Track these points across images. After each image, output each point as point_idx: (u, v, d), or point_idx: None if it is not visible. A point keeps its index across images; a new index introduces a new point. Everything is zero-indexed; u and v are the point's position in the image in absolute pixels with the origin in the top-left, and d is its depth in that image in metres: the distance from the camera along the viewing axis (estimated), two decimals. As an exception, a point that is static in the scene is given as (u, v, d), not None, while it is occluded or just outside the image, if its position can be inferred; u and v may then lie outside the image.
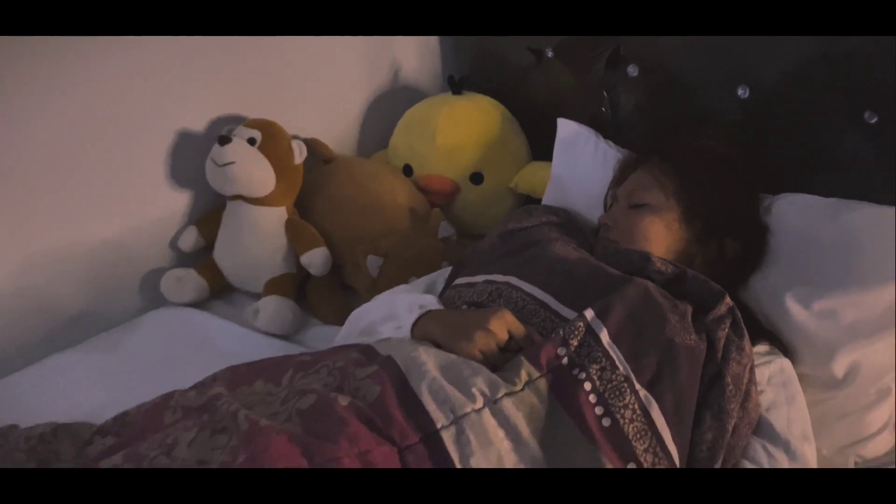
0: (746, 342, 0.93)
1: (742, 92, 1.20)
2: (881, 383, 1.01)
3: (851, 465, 1.01)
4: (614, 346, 0.88)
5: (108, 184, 1.28)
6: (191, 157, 1.34)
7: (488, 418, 0.80)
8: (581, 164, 1.29)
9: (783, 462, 0.89)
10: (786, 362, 0.99)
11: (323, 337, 1.28)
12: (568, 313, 0.95)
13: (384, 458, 0.77)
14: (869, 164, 1.11)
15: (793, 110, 1.16)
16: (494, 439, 0.79)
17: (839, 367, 1.00)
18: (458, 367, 0.85)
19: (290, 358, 0.99)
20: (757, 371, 0.95)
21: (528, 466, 0.81)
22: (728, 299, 0.95)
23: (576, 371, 0.85)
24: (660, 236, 1.08)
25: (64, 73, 1.19)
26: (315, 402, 0.83)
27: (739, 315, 0.95)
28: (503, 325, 0.90)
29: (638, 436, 0.83)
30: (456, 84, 1.49)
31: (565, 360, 0.86)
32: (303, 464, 0.75)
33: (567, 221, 1.23)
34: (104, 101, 1.23)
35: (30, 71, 1.16)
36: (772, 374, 0.97)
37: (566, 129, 1.33)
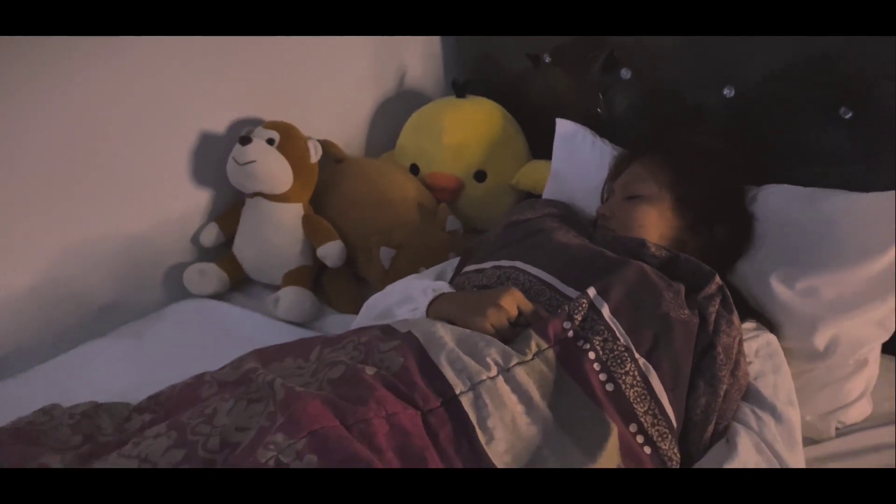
0: (735, 317, 1.00)
1: (728, 92, 1.29)
2: (858, 355, 1.10)
3: (832, 431, 1.09)
4: (615, 320, 0.95)
5: (134, 183, 1.35)
6: (211, 157, 1.42)
7: (502, 384, 0.88)
8: (579, 160, 1.38)
9: (770, 424, 0.96)
10: (771, 337, 1.07)
11: (339, 325, 1.35)
12: (571, 292, 1.02)
13: (409, 420, 0.84)
14: (845, 156, 1.20)
15: (774, 108, 1.25)
16: (508, 402, 0.87)
17: (820, 340, 1.08)
18: (474, 339, 0.93)
19: (315, 337, 1.06)
20: (745, 345, 1.03)
21: (539, 427, 0.87)
22: (718, 279, 1.02)
23: (581, 342, 0.93)
24: (654, 224, 1.14)
25: (94, 76, 1.27)
26: (344, 372, 0.91)
27: (728, 293, 1.02)
28: (513, 301, 0.98)
29: (638, 399, 0.91)
30: (460, 87, 1.58)
31: (571, 333, 0.94)
32: (336, 424, 0.82)
33: (567, 213, 1.30)
34: (133, 103, 1.31)
35: (63, 72, 1.24)
36: (759, 347, 1.05)
37: (564, 127, 1.42)
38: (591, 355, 0.92)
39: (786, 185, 1.19)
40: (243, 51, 1.41)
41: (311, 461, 0.79)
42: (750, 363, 1.03)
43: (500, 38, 1.60)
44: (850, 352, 1.09)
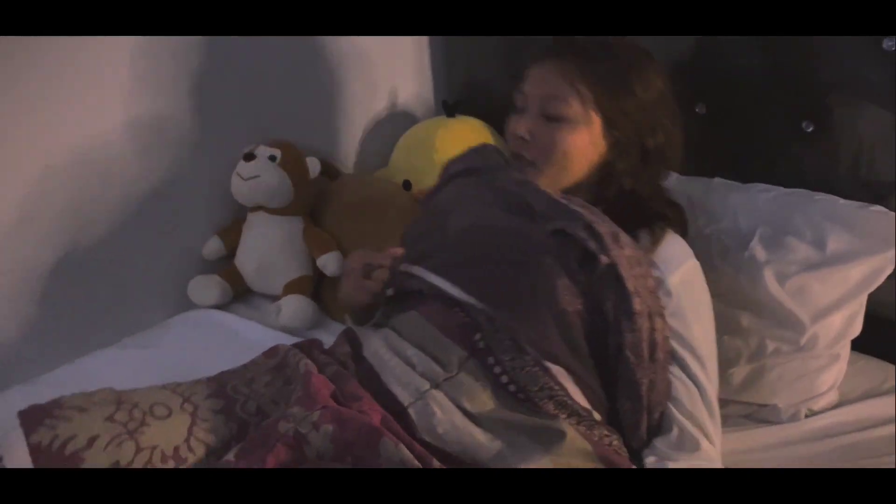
0: (635, 301, 0.93)
1: (699, 109, 1.40)
2: (833, 350, 1.19)
3: (802, 417, 1.18)
4: (515, 330, 0.95)
5: (141, 196, 1.42)
6: (215, 174, 1.49)
7: (441, 395, 0.92)
8: None
9: (693, 365, 0.97)
10: (689, 265, 1.02)
11: (336, 332, 1.41)
12: (474, 302, 0.98)
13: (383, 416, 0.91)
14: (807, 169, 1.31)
15: (744, 123, 1.36)
16: (450, 409, 0.92)
17: (804, 336, 1.16)
18: (411, 360, 0.97)
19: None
20: (662, 285, 0.97)
21: (482, 426, 0.91)
22: (604, 257, 0.93)
23: (490, 360, 0.95)
24: (582, 153, 1.03)
25: (108, 93, 1.34)
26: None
27: (619, 273, 0.93)
28: (358, 261, 1.06)
29: (553, 405, 0.93)
30: (450, 108, 1.67)
31: (481, 344, 0.95)
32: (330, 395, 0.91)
33: (484, 165, 1.17)
34: (144, 121, 1.38)
35: (72, 84, 1.30)
36: (675, 286, 0.99)
37: None
38: (497, 370, 0.94)
39: (776, 187, 1.27)
40: (247, 75, 1.49)
41: (327, 431, 0.86)
42: (668, 299, 0.97)
43: (486, 62, 1.70)
44: (826, 347, 1.19)
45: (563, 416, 0.93)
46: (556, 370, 0.94)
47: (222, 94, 1.48)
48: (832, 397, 1.20)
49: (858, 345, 1.26)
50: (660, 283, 0.98)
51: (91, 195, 1.36)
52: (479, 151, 1.23)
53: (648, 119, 1.03)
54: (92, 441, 0.89)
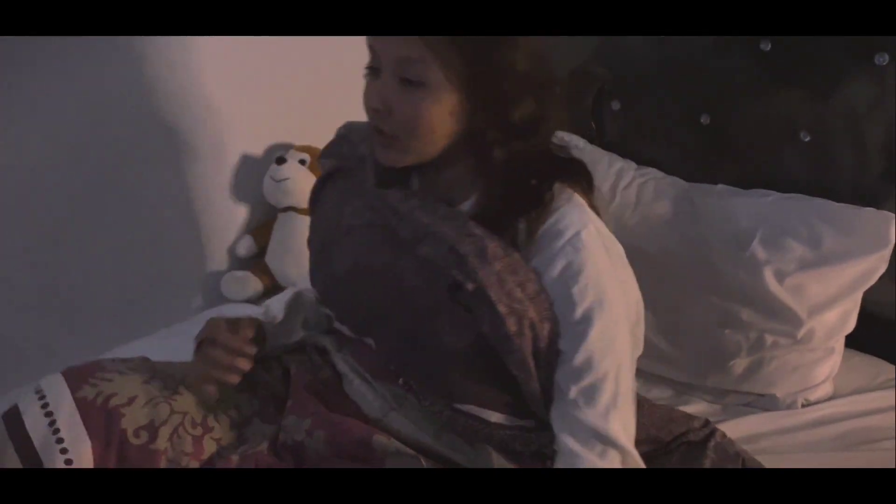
0: (509, 323, 0.87)
1: (704, 119, 1.49)
2: (828, 344, 1.27)
3: (799, 406, 1.26)
4: (421, 384, 0.97)
5: (177, 198, 1.52)
6: (248, 177, 1.59)
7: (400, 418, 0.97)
8: None
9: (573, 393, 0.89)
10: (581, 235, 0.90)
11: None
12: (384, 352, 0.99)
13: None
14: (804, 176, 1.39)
15: (745, 133, 1.45)
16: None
17: (801, 330, 1.24)
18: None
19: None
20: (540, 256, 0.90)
21: (428, 456, 0.94)
22: (470, 283, 0.88)
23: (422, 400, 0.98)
24: (446, 124, 0.90)
25: (149, 108, 1.45)
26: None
27: (488, 296, 0.87)
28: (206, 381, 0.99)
29: (479, 437, 0.96)
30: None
31: (408, 387, 0.98)
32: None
33: (355, 156, 1.08)
34: (183, 125, 1.48)
35: (117, 86, 1.41)
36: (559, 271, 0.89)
37: (556, 137, 1.56)
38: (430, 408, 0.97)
39: (776, 193, 1.35)
40: (279, 83, 1.59)
41: (319, 437, 0.93)
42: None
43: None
44: (822, 341, 1.27)
45: (491, 446, 0.94)
46: (469, 408, 0.94)
47: (258, 101, 1.58)
48: (827, 389, 1.28)
49: (854, 342, 1.34)
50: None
51: (132, 194, 1.47)
52: (345, 138, 1.13)
53: (515, 89, 0.90)
54: (132, 400, 0.96)
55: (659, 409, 1.12)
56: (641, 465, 0.91)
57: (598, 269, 0.90)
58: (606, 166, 1.52)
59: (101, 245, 1.45)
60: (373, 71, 0.92)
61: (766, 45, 1.35)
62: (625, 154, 1.57)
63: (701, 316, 1.32)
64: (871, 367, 1.34)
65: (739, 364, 1.27)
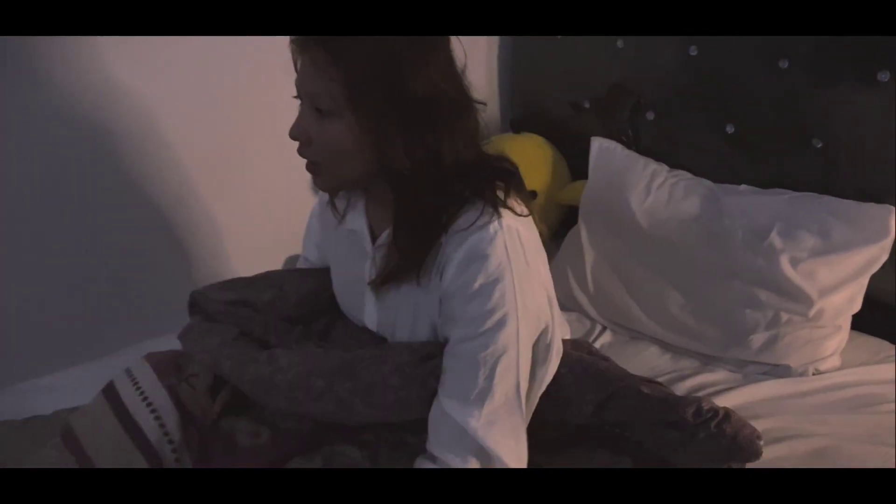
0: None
1: (729, 128, 1.68)
2: (836, 322, 1.46)
3: (810, 374, 1.44)
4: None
5: (218, 204, 1.72)
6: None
7: None
8: (612, 168, 1.71)
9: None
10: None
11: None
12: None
13: None
14: (815, 177, 1.58)
15: (764, 140, 1.64)
16: None
17: (812, 310, 1.43)
18: None
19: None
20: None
21: None
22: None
23: None
24: (360, 150, 0.94)
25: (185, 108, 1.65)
26: None
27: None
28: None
29: None
30: (517, 125, 1.97)
31: None
32: None
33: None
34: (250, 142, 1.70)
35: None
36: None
37: (598, 143, 1.75)
38: None
39: (790, 191, 1.55)
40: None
41: None
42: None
43: (546, 88, 2.01)
44: (831, 319, 1.45)
45: None
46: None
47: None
48: (835, 361, 1.46)
49: (859, 325, 1.53)
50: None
51: (178, 201, 1.68)
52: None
53: (416, 115, 0.92)
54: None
55: (634, 402, 1.07)
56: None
57: (495, 264, 0.94)
58: (641, 168, 1.71)
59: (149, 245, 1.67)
60: (301, 97, 0.98)
61: (783, 64, 1.55)
62: (658, 158, 1.76)
63: (724, 297, 1.51)
64: (875, 346, 1.52)
65: (758, 338, 1.46)
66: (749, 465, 1.05)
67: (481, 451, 0.95)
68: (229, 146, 1.72)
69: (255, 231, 1.82)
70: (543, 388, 1.04)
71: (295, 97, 0.98)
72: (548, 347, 1.03)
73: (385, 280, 1.04)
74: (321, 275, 1.25)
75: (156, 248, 1.71)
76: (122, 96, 1.55)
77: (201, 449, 1.12)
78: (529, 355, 1.00)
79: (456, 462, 0.95)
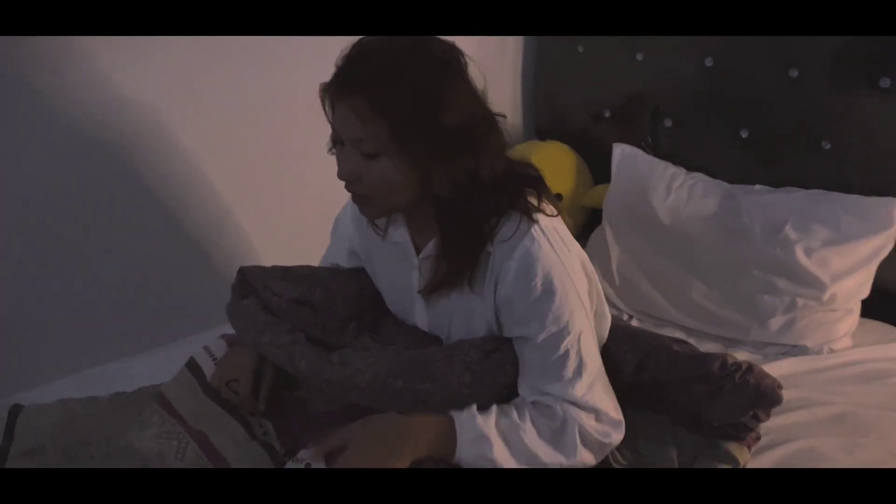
0: None
1: (743, 133, 1.83)
2: (847, 305, 1.59)
3: (825, 353, 1.57)
4: None
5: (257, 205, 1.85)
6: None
7: None
8: (634, 172, 1.85)
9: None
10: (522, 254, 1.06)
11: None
12: None
13: None
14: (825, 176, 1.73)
15: (777, 143, 1.79)
16: None
17: (825, 294, 1.57)
18: None
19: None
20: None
21: None
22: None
23: None
24: (407, 181, 1.03)
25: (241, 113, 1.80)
26: None
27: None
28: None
29: None
30: (543, 133, 2.12)
31: None
32: None
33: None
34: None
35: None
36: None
37: (620, 149, 1.89)
38: None
39: (804, 190, 1.69)
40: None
41: None
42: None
43: (569, 99, 2.15)
44: (842, 303, 1.59)
45: None
46: None
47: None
48: (847, 342, 1.59)
49: (869, 312, 1.66)
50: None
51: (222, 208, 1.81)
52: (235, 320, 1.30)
53: (448, 142, 1.00)
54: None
55: (667, 359, 1.20)
56: (616, 417, 1.11)
57: (548, 263, 1.05)
58: (662, 171, 1.85)
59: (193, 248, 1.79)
60: (337, 142, 1.07)
61: (793, 73, 1.70)
62: (676, 162, 1.90)
63: (745, 286, 1.64)
64: (884, 329, 1.65)
65: (776, 322, 1.59)
66: (772, 424, 1.18)
67: (588, 407, 1.09)
68: (250, 148, 1.83)
69: (277, 230, 1.92)
70: (600, 348, 1.17)
71: (333, 140, 1.06)
72: (600, 313, 1.17)
73: (435, 288, 1.14)
74: (361, 276, 1.34)
75: (186, 251, 1.82)
76: (151, 103, 1.65)
77: (280, 411, 1.24)
78: (593, 324, 1.13)
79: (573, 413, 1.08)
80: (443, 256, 1.11)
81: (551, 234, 1.08)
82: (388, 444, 1.03)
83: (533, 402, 1.11)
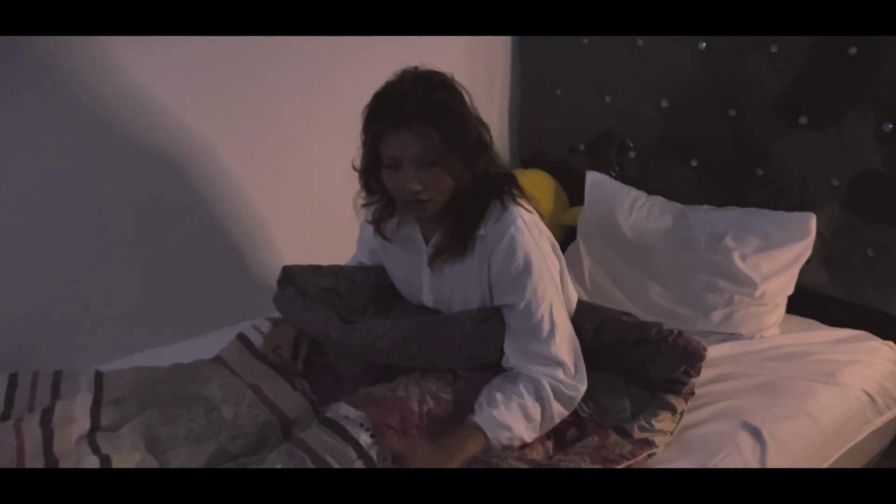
0: None
1: (693, 163, 2.19)
2: (775, 301, 1.93)
3: (757, 338, 1.90)
4: None
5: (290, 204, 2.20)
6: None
7: None
8: (604, 195, 2.20)
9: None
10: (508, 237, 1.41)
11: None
12: None
13: None
14: (758, 198, 2.08)
15: (720, 173, 2.15)
16: None
17: (757, 292, 1.91)
18: None
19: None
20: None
21: None
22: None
23: None
24: (452, 180, 1.35)
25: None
26: None
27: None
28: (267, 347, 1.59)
29: None
30: (526, 163, 2.47)
31: None
32: None
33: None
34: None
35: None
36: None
37: (592, 176, 2.24)
38: None
39: (743, 208, 2.05)
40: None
41: None
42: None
43: (549, 134, 2.52)
44: (771, 298, 1.93)
45: None
46: None
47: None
48: (775, 331, 1.93)
49: (794, 309, 2.00)
50: None
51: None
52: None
53: (473, 145, 1.37)
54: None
55: (617, 327, 1.54)
56: (574, 372, 1.42)
57: (527, 247, 1.39)
58: (626, 194, 2.21)
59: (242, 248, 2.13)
60: (393, 165, 1.35)
61: (732, 112, 2.07)
62: (639, 187, 2.26)
63: (692, 286, 1.98)
64: (804, 321, 2.00)
65: (718, 315, 1.93)
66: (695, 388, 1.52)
67: (559, 363, 1.41)
68: (283, 172, 2.17)
69: (303, 240, 2.24)
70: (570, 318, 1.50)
71: (390, 164, 1.35)
72: (563, 283, 1.51)
73: (439, 256, 1.46)
74: (380, 272, 1.67)
75: (226, 257, 2.15)
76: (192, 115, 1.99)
77: (313, 373, 1.56)
78: (563, 298, 1.48)
79: (538, 370, 1.40)
80: (447, 234, 1.44)
81: (531, 225, 1.43)
82: (444, 455, 1.31)
83: (517, 375, 1.43)
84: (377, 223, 1.52)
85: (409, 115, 1.31)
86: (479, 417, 1.36)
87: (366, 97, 1.37)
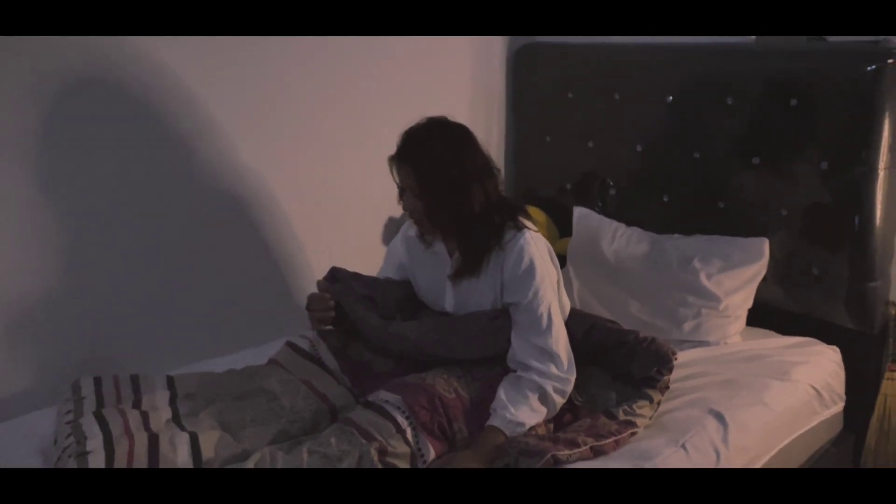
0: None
1: (665, 198, 2.54)
2: (736, 313, 2.27)
3: (722, 345, 2.23)
4: None
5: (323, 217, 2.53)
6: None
7: None
8: (589, 228, 2.54)
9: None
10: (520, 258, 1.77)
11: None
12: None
13: None
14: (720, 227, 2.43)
15: (689, 207, 2.50)
16: None
17: (721, 305, 2.24)
18: None
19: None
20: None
21: None
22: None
23: None
24: (445, 207, 1.71)
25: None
26: None
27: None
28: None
29: None
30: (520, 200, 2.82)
31: None
32: None
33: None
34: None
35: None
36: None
37: (580, 211, 2.58)
38: None
39: (708, 235, 2.38)
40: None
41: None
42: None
43: (539, 175, 2.87)
44: (733, 311, 2.26)
45: None
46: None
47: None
48: (737, 339, 2.26)
49: (753, 321, 2.33)
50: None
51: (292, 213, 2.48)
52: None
53: (470, 182, 1.70)
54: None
55: (603, 331, 1.91)
56: (566, 365, 1.73)
57: (533, 255, 1.73)
58: (608, 225, 2.55)
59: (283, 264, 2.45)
60: (402, 189, 1.75)
61: (697, 155, 2.43)
62: (619, 219, 2.60)
63: (666, 301, 2.31)
64: (761, 332, 2.33)
65: (688, 325, 2.26)
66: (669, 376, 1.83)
67: (553, 356, 1.71)
68: (319, 195, 2.51)
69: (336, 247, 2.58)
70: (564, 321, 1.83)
71: (400, 191, 1.76)
72: (559, 292, 1.85)
73: (457, 275, 1.81)
74: (406, 286, 2.01)
75: (272, 277, 2.47)
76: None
77: (353, 371, 1.87)
78: (557, 300, 1.81)
79: (536, 364, 1.71)
80: (462, 256, 1.79)
81: (536, 239, 1.79)
82: (479, 457, 1.60)
83: (519, 377, 1.74)
84: (421, 234, 1.88)
85: (399, 154, 1.72)
86: (496, 421, 1.66)
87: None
